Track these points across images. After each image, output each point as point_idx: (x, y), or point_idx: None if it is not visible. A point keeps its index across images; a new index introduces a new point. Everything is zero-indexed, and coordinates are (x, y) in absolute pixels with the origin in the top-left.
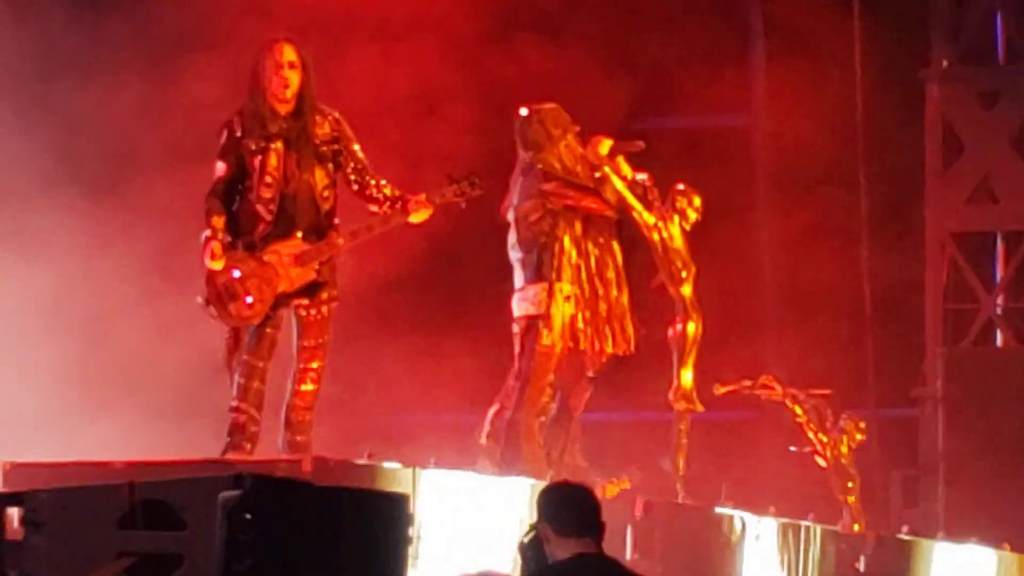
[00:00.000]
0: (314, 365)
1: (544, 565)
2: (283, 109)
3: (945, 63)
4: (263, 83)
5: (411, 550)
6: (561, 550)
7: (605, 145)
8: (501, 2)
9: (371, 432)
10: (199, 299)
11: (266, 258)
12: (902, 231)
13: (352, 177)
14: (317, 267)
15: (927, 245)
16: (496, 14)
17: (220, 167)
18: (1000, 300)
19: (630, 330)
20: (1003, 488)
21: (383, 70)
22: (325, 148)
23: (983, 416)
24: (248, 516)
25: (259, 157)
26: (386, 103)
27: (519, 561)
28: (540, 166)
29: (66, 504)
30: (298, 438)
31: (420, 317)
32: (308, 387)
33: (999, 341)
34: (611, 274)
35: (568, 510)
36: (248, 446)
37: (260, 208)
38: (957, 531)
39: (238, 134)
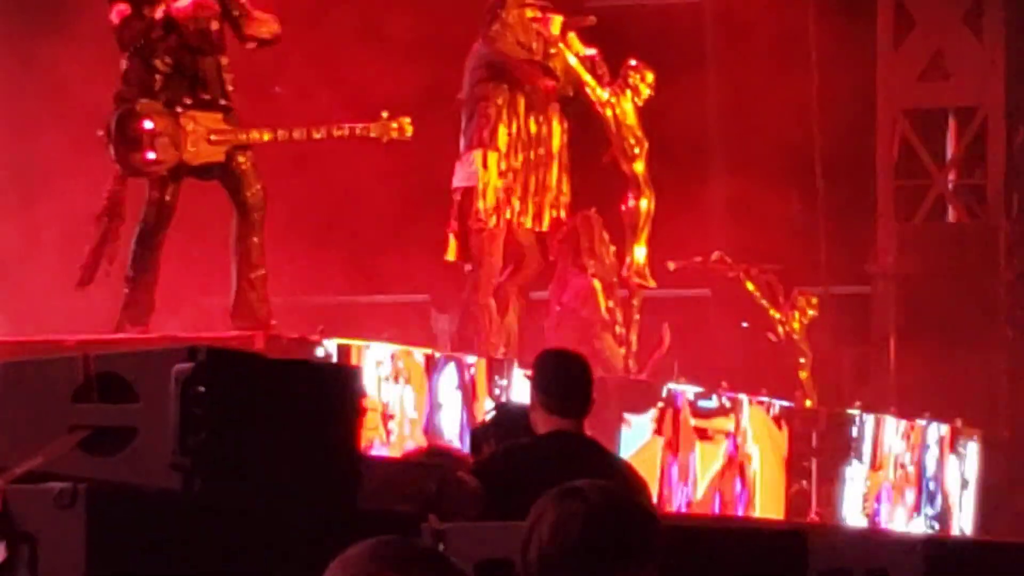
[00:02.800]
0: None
1: (509, 443)
2: None
3: None
4: None
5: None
6: (542, 423)
7: (556, 22)
8: None
9: (321, 312)
10: (100, 132)
11: (182, 121)
12: (854, 107)
13: (241, 22)
14: (229, 150)
15: (878, 121)
16: None
17: (122, 6)
18: (951, 176)
19: (562, 211)
20: (955, 363)
21: None
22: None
23: (935, 292)
24: (202, 389)
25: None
26: None
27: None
28: (489, 34)
29: (19, 377)
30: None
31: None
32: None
33: (950, 217)
34: (548, 150)
35: (557, 385)
36: (147, 319)
37: (156, 62)
38: (909, 407)
39: None
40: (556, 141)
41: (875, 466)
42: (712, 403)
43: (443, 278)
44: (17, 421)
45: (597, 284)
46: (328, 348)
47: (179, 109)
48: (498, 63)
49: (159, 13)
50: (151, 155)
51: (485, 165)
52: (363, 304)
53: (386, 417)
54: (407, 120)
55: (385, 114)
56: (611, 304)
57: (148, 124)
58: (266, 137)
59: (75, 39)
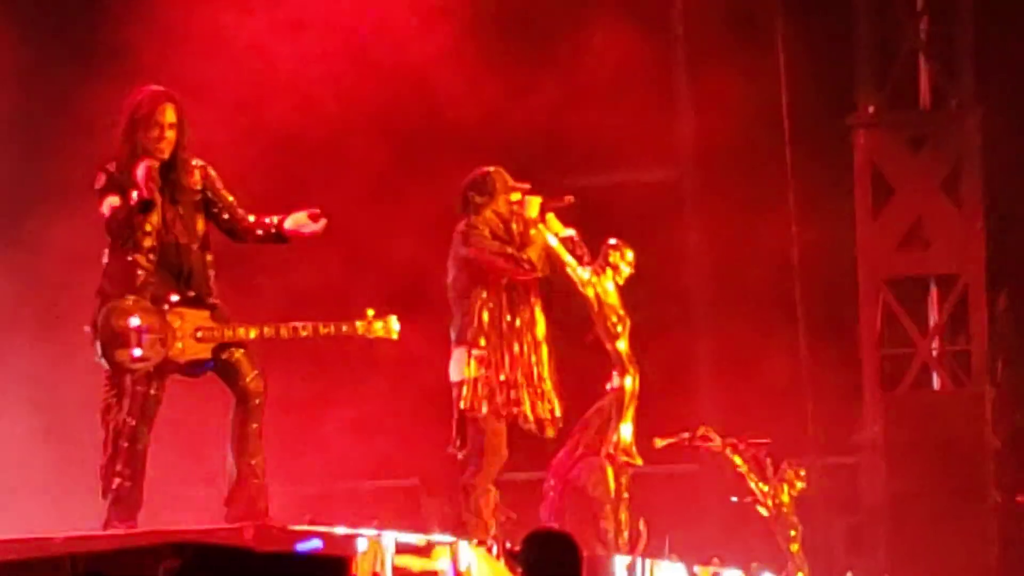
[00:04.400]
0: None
1: None
2: (159, 162)
3: (871, 109)
4: (142, 140)
5: None
6: None
7: (534, 204)
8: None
9: (310, 499)
10: (87, 328)
11: (169, 318)
12: (836, 276)
13: (224, 216)
14: (214, 348)
15: (860, 291)
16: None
17: (113, 199)
18: (935, 344)
19: (553, 399)
20: (946, 531)
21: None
22: (198, 196)
23: (923, 460)
24: None
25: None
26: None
27: None
28: (463, 230)
29: None
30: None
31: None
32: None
33: (936, 384)
34: (536, 336)
35: (546, 566)
36: (135, 514)
37: (139, 257)
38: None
39: (117, 176)
40: (540, 329)
41: None
42: None
43: (433, 462)
44: None
45: (609, 466)
46: (319, 539)
47: (165, 306)
48: (475, 261)
49: (134, 197)
50: (137, 352)
51: (468, 361)
52: (348, 490)
53: None
54: (393, 318)
55: (371, 312)
56: (623, 481)
57: (134, 321)
58: (252, 334)
59: None
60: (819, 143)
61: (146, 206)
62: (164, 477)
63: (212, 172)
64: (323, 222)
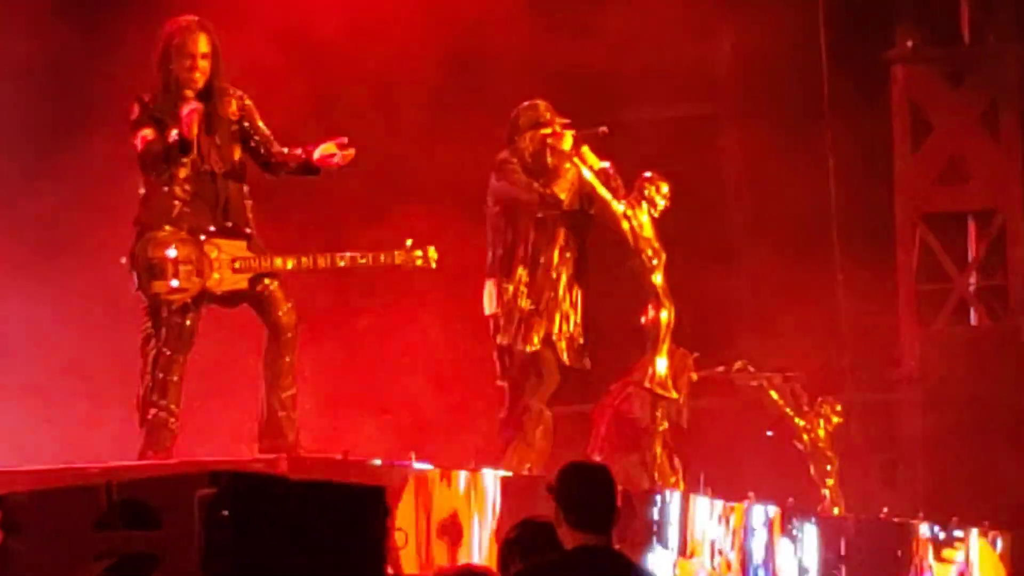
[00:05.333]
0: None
1: (537, 560)
2: (193, 91)
3: (910, 44)
4: (176, 70)
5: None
6: (569, 538)
7: (568, 138)
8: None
9: (346, 430)
10: (123, 259)
11: (206, 248)
12: (873, 212)
13: (260, 149)
14: (252, 278)
15: (897, 226)
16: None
17: (147, 132)
18: (973, 279)
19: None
20: (982, 467)
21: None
22: (235, 127)
23: (959, 396)
24: (225, 513)
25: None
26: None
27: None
28: (497, 162)
29: (44, 506)
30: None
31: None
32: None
33: (973, 320)
34: (562, 270)
35: (581, 500)
36: (170, 444)
37: (176, 188)
38: (937, 512)
39: (151, 107)
40: (569, 263)
41: None
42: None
43: (473, 394)
44: (42, 550)
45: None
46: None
47: (202, 236)
48: (504, 195)
49: (173, 136)
50: (175, 283)
51: (499, 293)
52: (384, 422)
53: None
54: (432, 248)
55: (409, 242)
56: (658, 414)
57: (171, 252)
58: (290, 264)
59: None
60: (857, 78)
61: (185, 147)
62: (200, 408)
63: (248, 102)
64: (351, 151)
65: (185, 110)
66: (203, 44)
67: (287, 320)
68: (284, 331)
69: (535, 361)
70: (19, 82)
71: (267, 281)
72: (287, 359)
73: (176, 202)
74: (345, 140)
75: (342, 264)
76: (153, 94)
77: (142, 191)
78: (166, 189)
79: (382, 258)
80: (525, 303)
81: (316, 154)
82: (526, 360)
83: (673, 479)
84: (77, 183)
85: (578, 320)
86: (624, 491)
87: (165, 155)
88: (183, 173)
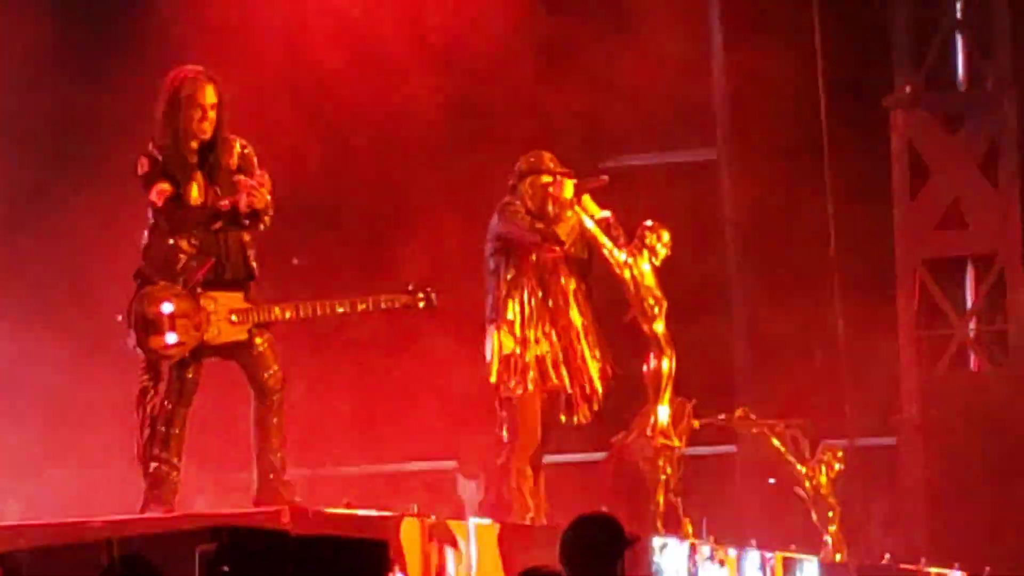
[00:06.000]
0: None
1: None
2: (199, 143)
3: (908, 89)
4: (183, 122)
5: None
6: None
7: (568, 186)
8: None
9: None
10: (120, 317)
11: (202, 302)
12: (873, 258)
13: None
14: (250, 329)
15: (897, 272)
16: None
17: (165, 187)
18: (973, 324)
19: (593, 372)
20: (984, 513)
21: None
22: (234, 176)
23: (961, 440)
24: (226, 569)
25: (181, 188)
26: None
27: None
28: (500, 206)
29: (46, 562)
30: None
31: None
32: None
33: (973, 365)
34: (569, 316)
35: (569, 549)
36: (172, 498)
37: (182, 241)
38: (940, 558)
39: (160, 161)
40: (573, 309)
41: None
42: (746, 560)
43: (470, 445)
44: None
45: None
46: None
47: (199, 289)
48: (504, 236)
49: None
50: (171, 338)
51: (499, 339)
52: (389, 473)
53: None
54: (432, 291)
55: (410, 286)
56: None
57: (167, 307)
58: (288, 314)
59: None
60: (856, 124)
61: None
62: (201, 462)
63: (248, 151)
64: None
65: (153, 194)
66: (211, 95)
67: (273, 382)
68: (271, 393)
69: (520, 410)
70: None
71: (259, 340)
72: (274, 420)
73: (182, 255)
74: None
75: (341, 311)
76: (161, 147)
77: (145, 243)
78: (171, 242)
79: (383, 303)
80: (520, 349)
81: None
82: (511, 409)
83: (681, 527)
84: (79, 234)
85: (591, 371)
86: (630, 540)
87: (200, 219)
88: (191, 227)
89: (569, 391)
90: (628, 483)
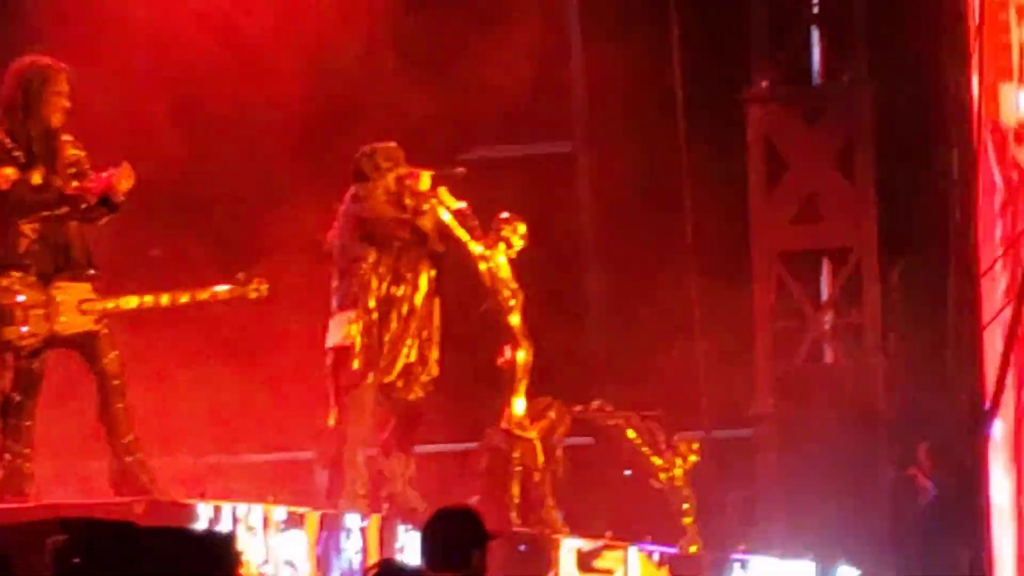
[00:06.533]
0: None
1: None
2: (45, 131)
3: (765, 83)
4: (37, 108)
5: None
6: None
7: (426, 178)
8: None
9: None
10: None
11: (54, 292)
12: (729, 251)
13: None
14: (96, 318)
15: (753, 264)
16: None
17: (10, 171)
18: (828, 317)
19: (431, 362)
20: (840, 504)
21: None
22: (72, 169)
23: (816, 433)
24: (76, 560)
25: (24, 173)
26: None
27: None
28: (357, 193)
29: None
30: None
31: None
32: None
33: (828, 358)
34: (421, 305)
35: (435, 542)
36: (27, 488)
37: (25, 227)
38: (795, 550)
39: (8, 146)
40: (423, 299)
41: None
42: (598, 553)
43: (327, 435)
44: None
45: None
46: (208, 512)
47: (52, 280)
48: (367, 221)
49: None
50: (24, 328)
51: (350, 327)
52: (246, 463)
53: None
54: (262, 280)
55: (241, 275)
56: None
57: (20, 298)
58: (133, 303)
59: None
60: (714, 117)
61: (112, 206)
62: (55, 451)
63: (79, 147)
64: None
65: (122, 179)
66: (65, 84)
67: (112, 368)
68: (111, 378)
69: (358, 400)
70: None
71: (98, 327)
72: (119, 406)
73: (23, 240)
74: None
75: (184, 301)
76: (9, 132)
77: None
78: (14, 229)
79: (219, 292)
80: (367, 338)
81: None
82: (356, 397)
83: (543, 520)
84: None
85: (423, 356)
86: (491, 534)
87: (42, 199)
88: (35, 211)
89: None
90: (501, 474)
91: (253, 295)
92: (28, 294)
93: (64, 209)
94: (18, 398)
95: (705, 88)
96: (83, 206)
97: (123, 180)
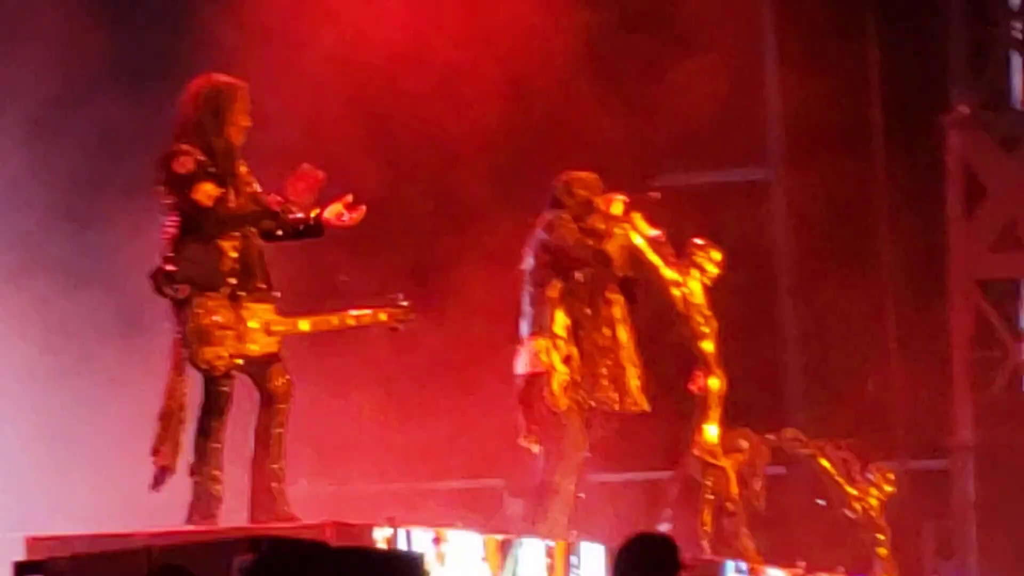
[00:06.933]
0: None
1: None
2: (229, 150)
3: (964, 107)
4: (223, 123)
5: None
6: None
7: (618, 204)
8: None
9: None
10: (167, 324)
11: (243, 313)
12: (926, 278)
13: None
14: (279, 340)
15: (951, 293)
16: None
17: (210, 188)
18: None
19: (634, 388)
20: None
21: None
22: (250, 188)
23: (1014, 463)
24: None
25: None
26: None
27: None
28: (549, 219)
29: (86, 570)
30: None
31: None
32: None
33: None
34: (614, 332)
35: (622, 568)
36: (215, 511)
37: (225, 245)
38: None
39: (207, 164)
40: (620, 326)
41: None
42: None
43: (519, 463)
44: None
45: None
46: (393, 536)
47: (240, 301)
48: (554, 249)
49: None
50: (222, 350)
51: (547, 352)
52: (432, 490)
53: None
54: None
55: (405, 302)
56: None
57: (218, 318)
58: (307, 326)
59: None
60: (911, 143)
61: (318, 231)
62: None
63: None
64: (361, 209)
65: (335, 213)
66: (248, 102)
67: (283, 391)
68: (279, 401)
69: (564, 425)
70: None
71: (278, 350)
72: (278, 430)
73: (224, 259)
74: (351, 199)
75: (351, 323)
76: (201, 147)
77: (184, 248)
78: (214, 248)
79: (374, 316)
80: (566, 366)
81: (326, 213)
82: (555, 424)
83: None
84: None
85: (622, 384)
86: (685, 563)
87: (253, 218)
88: (235, 228)
89: (614, 406)
90: (693, 502)
91: (398, 326)
92: (223, 315)
93: (268, 224)
94: (209, 420)
95: (903, 113)
96: (291, 218)
97: (312, 187)
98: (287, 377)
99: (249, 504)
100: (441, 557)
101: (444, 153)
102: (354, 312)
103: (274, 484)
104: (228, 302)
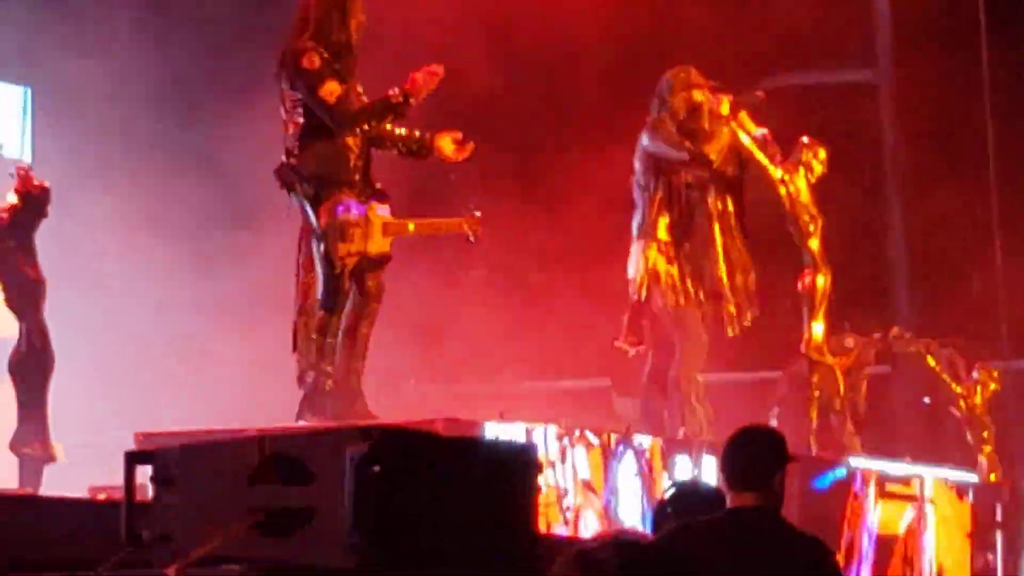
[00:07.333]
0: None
1: (686, 521)
2: (349, 47)
3: None
4: (347, 21)
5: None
6: (729, 499)
7: (725, 103)
8: None
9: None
10: (314, 221)
11: (368, 212)
12: None
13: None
14: (392, 240)
15: None
16: None
17: (334, 87)
18: None
19: (742, 287)
20: None
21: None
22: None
23: None
24: (376, 469)
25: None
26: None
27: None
28: (650, 123)
29: (197, 461)
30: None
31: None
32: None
33: None
34: (721, 232)
35: (733, 460)
36: (328, 406)
37: (351, 142)
38: None
39: (332, 61)
40: (727, 228)
41: None
42: (895, 476)
43: (624, 362)
44: (194, 504)
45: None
46: (507, 431)
47: (368, 199)
48: (654, 154)
49: (395, 93)
50: (354, 246)
51: (653, 255)
52: (543, 390)
53: (561, 498)
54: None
55: (478, 213)
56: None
57: (352, 214)
58: (411, 227)
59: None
60: (1018, 46)
61: (404, 109)
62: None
63: None
64: (470, 146)
65: (424, 77)
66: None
67: (377, 290)
68: (372, 300)
69: (682, 323)
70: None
71: (390, 250)
72: (365, 330)
73: (351, 155)
74: (460, 136)
75: (443, 230)
76: (326, 44)
77: (313, 143)
78: (343, 144)
79: (452, 224)
80: (673, 267)
81: (439, 141)
82: (672, 322)
83: (841, 446)
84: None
85: (731, 282)
86: (792, 456)
87: (374, 113)
88: (357, 132)
89: (727, 305)
90: (800, 399)
91: (471, 235)
92: (354, 212)
93: (390, 118)
94: (326, 316)
95: (1011, 12)
96: (395, 104)
97: (429, 82)
98: (381, 278)
99: (329, 402)
100: (562, 452)
101: (557, 53)
102: (442, 220)
103: (355, 381)
104: (357, 199)
